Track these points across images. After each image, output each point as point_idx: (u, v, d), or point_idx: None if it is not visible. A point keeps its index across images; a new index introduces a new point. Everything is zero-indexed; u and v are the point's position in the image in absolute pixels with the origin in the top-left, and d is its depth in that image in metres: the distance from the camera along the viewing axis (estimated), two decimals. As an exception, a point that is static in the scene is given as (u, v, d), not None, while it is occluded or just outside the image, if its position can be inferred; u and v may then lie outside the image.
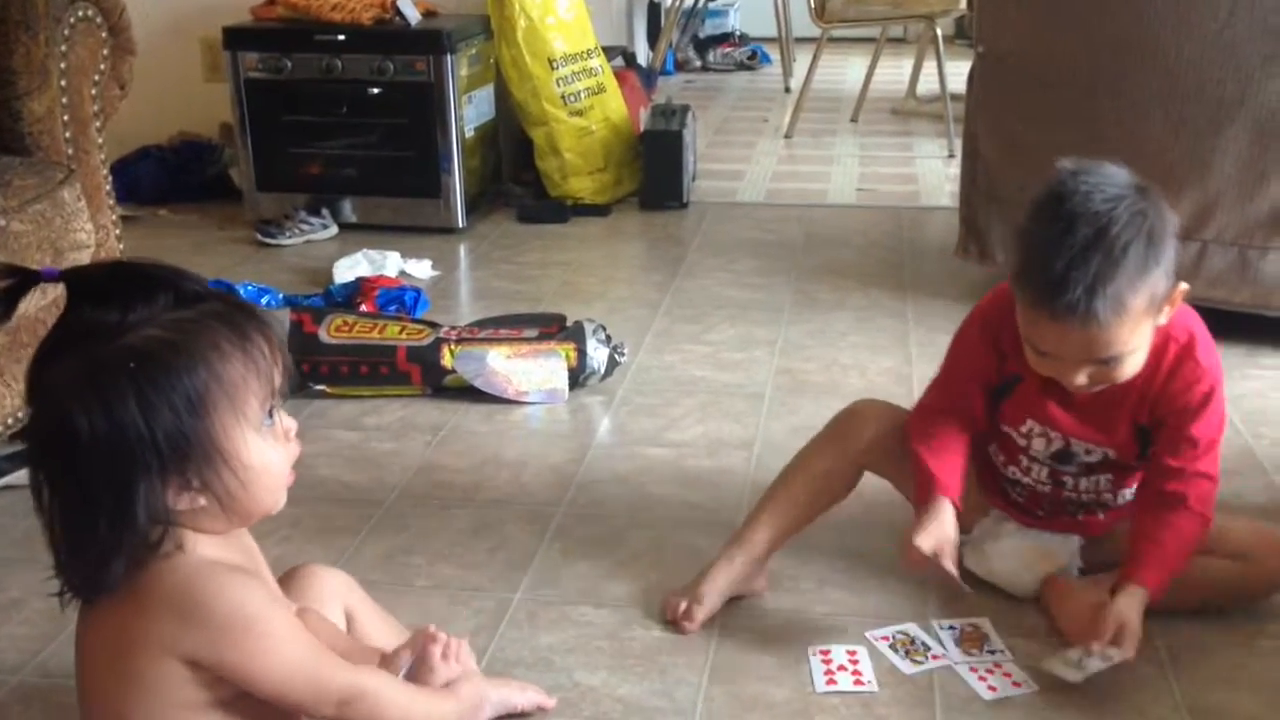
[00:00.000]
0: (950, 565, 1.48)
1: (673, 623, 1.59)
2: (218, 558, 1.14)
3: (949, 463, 1.55)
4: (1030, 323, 1.43)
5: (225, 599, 1.10)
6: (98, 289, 1.08)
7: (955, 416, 1.59)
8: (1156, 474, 1.52)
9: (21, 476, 1.96)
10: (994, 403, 1.59)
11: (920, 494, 1.55)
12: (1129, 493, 1.60)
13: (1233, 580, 1.58)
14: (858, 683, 1.49)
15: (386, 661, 1.30)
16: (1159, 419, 1.51)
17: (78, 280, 1.10)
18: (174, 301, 1.09)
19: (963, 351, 1.61)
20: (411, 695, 1.25)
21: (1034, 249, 1.40)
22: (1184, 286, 1.44)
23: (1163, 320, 1.45)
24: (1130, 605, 1.46)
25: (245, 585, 1.12)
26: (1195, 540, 1.51)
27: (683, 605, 1.59)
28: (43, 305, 1.78)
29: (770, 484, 1.68)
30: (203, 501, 1.11)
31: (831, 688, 1.48)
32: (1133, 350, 1.42)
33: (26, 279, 1.13)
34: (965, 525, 1.66)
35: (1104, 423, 1.53)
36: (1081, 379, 1.44)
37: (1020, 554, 1.62)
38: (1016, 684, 1.48)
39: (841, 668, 1.52)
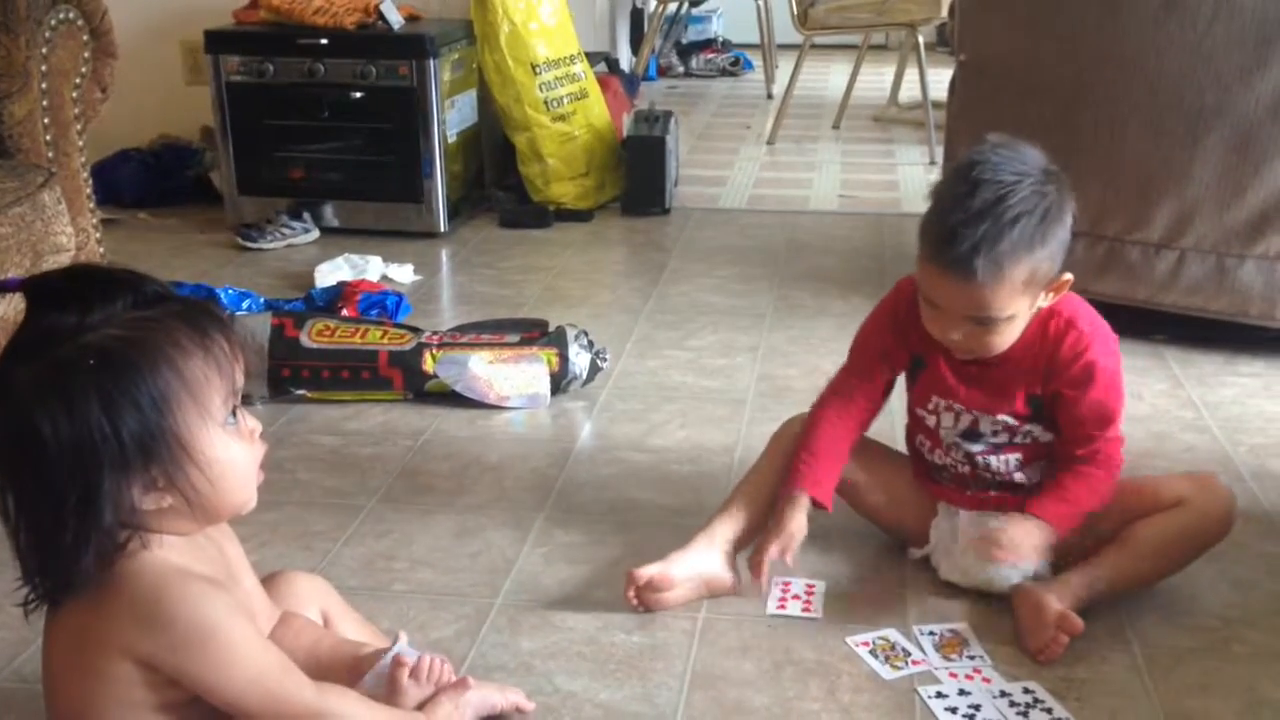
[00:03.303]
0: (782, 559, 1.62)
1: (637, 597, 1.61)
2: (184, 565, 1.14)
3: (827, 456, 1.68)
4: (925, 274, 1.55)
5: (187, 608, 1.10)
6: (56, 293, 1.09)
7: (857, 397, 1.71)
8: (1068, 443, 1.62)
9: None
10: (909, 387, 1.72)
11: (789, 482, 1.66)
12: (1035, 472, 1.67)
13: (1179, 531, 1.61)
14: (806, 609, 1.63)
15: (367, 661, 1.30)
16: (1055, 389, 1.59)
17: (36, 286, 1.11)
18: (133, 303, 1.10)
19: (869, 332, 1.73)
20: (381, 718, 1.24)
21: (938, 204, 1.53)
22: (1068, 277, 1.55)
23: (1043, 303, 1.56)
24: (1019, 524, 1.57)
25: (208, 595, 1.12)
26: (1103, 486, 1.60)
27: (646, 575, 1.61)
28: (21, 309, 1.78)
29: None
30: (169, 501, 1.11)
31: (780, 611, 1.62)
32: (1007, 318, 1.52)
33: None
34: (921, 535, 1.73)
35: (996, 392, 1.62)
36: (957, 335, 1.55)
37: (982, 548, 1.62)
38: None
39: (795, 596, 1.65)
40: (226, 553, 1.23)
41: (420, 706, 1.30)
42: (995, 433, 1.65)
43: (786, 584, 1.68)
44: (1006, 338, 1.56)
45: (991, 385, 1.63)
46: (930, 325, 1.59)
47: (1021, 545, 1.56)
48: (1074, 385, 1.59)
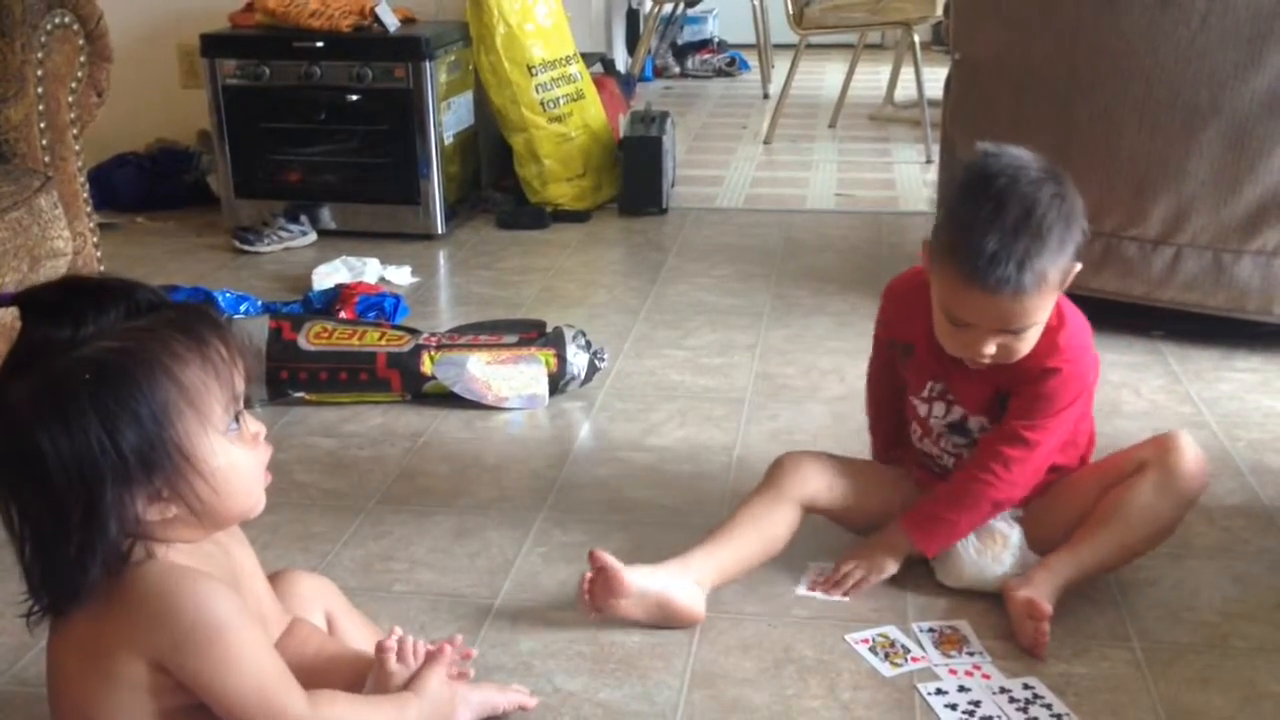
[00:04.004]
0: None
1: (589, 590, 1.57)
2: (194, 565, 1.14)
3: (882, 434, 1.84)
4: (959, 297, 1.52)
5: (195, 604, 1.10)
6: (49, 306, 1.08)
7: (883, 379, 1.79)
8: (998, 430, 1.63)
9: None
10: (904, 374, 1.72)
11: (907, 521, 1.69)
12: None
13: (1153, 492, 1.61)
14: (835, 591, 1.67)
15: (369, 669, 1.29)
16: (1015, 384, 1.60)
17: (29, 299, 1.10)
18: (126, 312, 1.09)
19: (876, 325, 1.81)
20: (370, 713, 1.23)
21: (968, 228, 1.49)
22: (1079, 266, 1.54)
23: (1056, 295, 1.56)
24: (884, 538, 1.68)
25: (219, 593, 1.12)
26: (984, 507, 1.62)
27: (605, 560, 1.56)
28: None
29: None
30: (174, 511, 1.10)
31: (812, 593, 1.67)
32: (1037, 322, 1.53)
33: None
34: None
35: (967, 391, 1.64)
36: (990, 348, 1.54)
37: (972, 543, 1.64)
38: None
39: (827, 580, 1.68)
40: (236, 558, 1.23)
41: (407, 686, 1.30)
42: (982, 429, 1.66)
43: (819, 567, 1.70)
44: (1033, 339, 1.55)
45: (967, 383, 1.63)
46: (956, 345, 1.57)
47: (881, 568, 1.66)
48: (1029, 384, 1.59)
